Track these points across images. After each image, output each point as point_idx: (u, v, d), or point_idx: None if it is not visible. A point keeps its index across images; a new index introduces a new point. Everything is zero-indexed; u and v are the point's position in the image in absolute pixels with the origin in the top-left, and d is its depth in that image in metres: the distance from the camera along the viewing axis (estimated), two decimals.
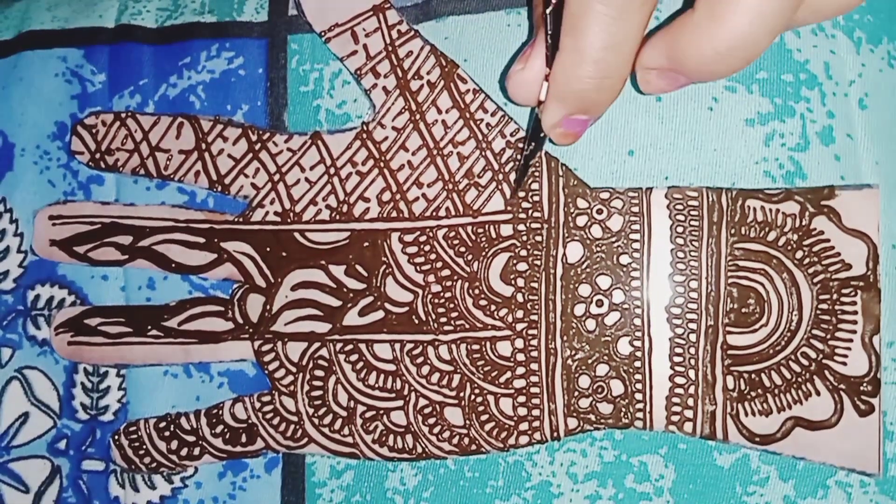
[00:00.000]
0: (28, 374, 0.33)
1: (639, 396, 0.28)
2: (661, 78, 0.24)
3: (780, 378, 0.27)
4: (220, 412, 0.31)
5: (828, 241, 0.27)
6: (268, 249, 0.31)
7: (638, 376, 0.28)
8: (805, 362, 0.27)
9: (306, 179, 0.31)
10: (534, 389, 0.29)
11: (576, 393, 0.29)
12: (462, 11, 0.31)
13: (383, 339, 0.30)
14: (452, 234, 0.29)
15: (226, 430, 0.31)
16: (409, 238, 0.30)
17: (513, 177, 0.29)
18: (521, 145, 0.29)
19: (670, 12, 0.29)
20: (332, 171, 0.30)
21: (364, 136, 0.30)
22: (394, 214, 0.30)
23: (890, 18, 0.29)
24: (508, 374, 0.29)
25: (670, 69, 0.23)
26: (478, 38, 0.30)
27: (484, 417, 0.29)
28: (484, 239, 0.29)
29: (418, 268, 0.30)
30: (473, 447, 0.29)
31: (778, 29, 0.21)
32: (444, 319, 0.29)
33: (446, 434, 0.29)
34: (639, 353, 0.28)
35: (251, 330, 0.31)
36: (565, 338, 0.29)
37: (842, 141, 0.28)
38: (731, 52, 0.22)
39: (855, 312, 0.27)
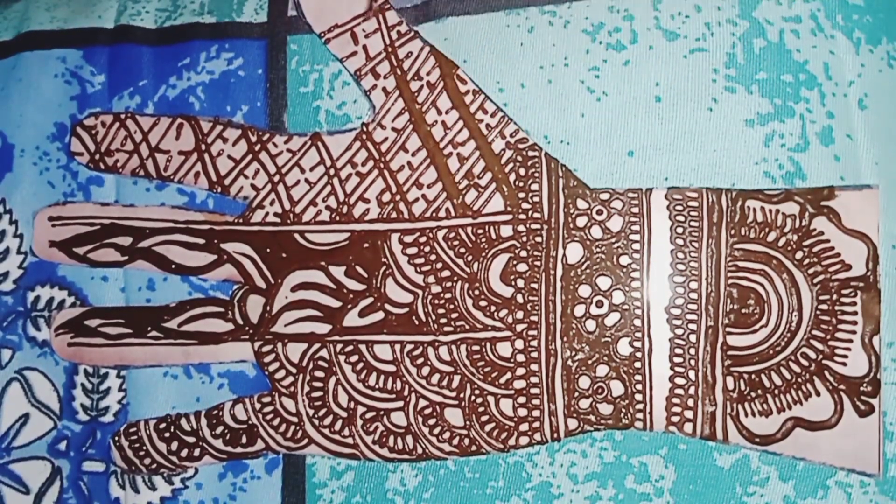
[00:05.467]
0: (28, 376, 0.33)
1: (639, 397, 0.28)
2: None
3: (780, 378, 0.28)
4: (221, 413, 0.31)
5: (828, 241, 0.27)
6: (268, 250, 0.31)
7: (638, 377, 0.28)
8: (805, 363, 0.27)
9: (306, 180, 0.31)
10: (534, 390, 0.29)
11: (576, 394, 0.29)
12: (461, 12, 0.31)
13: (383, 340, 0.30)
14: (452, 234, 0.29)
15: (226, 431, 0.31)
16: (409, 239, 0.30)
17: None
18: None
19: (670, 12, 0.29)
20: (331, 172, 0.30)
21: (364, 137, 0.30)
22: (394, 215, 0.30)
23: (889, 19, 0.29)
24: (508, 375, 0.29)
25: None
26: (477, 38, 0.30)
27: (484, 418, 0.29)
28: (484, 240, 0.29)
29: (418, 269, 0.30)
30: (474, 448, 0.29)
31: None
32: (444, 320, 0.29)
33: (446, 435, 0.29)
34: (639, 354, 0.28)
35: (251, 331, 0.31)
36: (565, 338, 0.29)
37: (841, 141, 0.28)
38: None
39: (855, 313, 0.27)
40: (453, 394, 0.29)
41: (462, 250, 0.29)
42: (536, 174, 0.29)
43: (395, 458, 0.30)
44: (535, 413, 0.29)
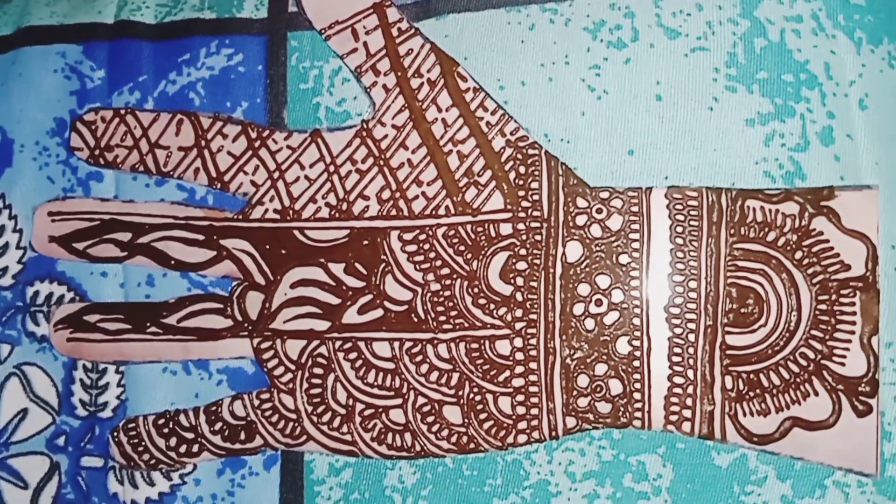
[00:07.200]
0: (27, 371, 0.33)
1: (637, 396, 0.28)
2: None
3: (779, 378, 0.28)
4: (219, 409, 0.31)
5: (827, 241, 0.27)
6: (267, 247, 0.31)
7: (636, 376, 0.28)
8: (803, 363, 0.27)
9: (306, 177, 0.31)
10: (532, 388, 0.29)
11: (574, 392, 0.29)
12: (462, 9, 0.30)
13: (382, 338, 0.30)
14: (452, 232, 0.29)
15: (224, 427, 0.31)
16: (408, 236, 0.30)
17: None
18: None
19: (672, 9, 0.29)
20: (331, 168, 0.30)
21: (364, 133, 0.30)
22: (393, 213, 0.30)
23: (890, 19, 0.29)
24: (507, 373, 0.29)
25: None
26: (478, 36, 0.30)
27: (482, 416, 0.29)
28: (483, 237, 0.29)
29: (417, 266, 0.30)
30: (472, 446, 0.29)
31: None
32: (443, 318, 0.29)
33: (445, 432, 0.29)
34: (637, 353, 0.28)
35: (250, 327, 0.31)
36: (564, 337, 0.29)
37: (842, 141, 0.28)
38: None
39: (854, 313, 0.27)
40: (452, 391, 0.29)
41: (461, 248, 0.29)
42: (536, 172, 0.29)
43: (393, 455, 0.30)
44: (534, 411, 0.29)
